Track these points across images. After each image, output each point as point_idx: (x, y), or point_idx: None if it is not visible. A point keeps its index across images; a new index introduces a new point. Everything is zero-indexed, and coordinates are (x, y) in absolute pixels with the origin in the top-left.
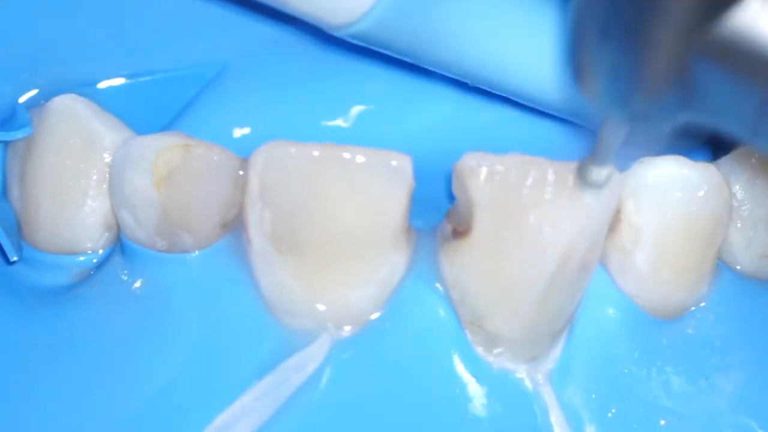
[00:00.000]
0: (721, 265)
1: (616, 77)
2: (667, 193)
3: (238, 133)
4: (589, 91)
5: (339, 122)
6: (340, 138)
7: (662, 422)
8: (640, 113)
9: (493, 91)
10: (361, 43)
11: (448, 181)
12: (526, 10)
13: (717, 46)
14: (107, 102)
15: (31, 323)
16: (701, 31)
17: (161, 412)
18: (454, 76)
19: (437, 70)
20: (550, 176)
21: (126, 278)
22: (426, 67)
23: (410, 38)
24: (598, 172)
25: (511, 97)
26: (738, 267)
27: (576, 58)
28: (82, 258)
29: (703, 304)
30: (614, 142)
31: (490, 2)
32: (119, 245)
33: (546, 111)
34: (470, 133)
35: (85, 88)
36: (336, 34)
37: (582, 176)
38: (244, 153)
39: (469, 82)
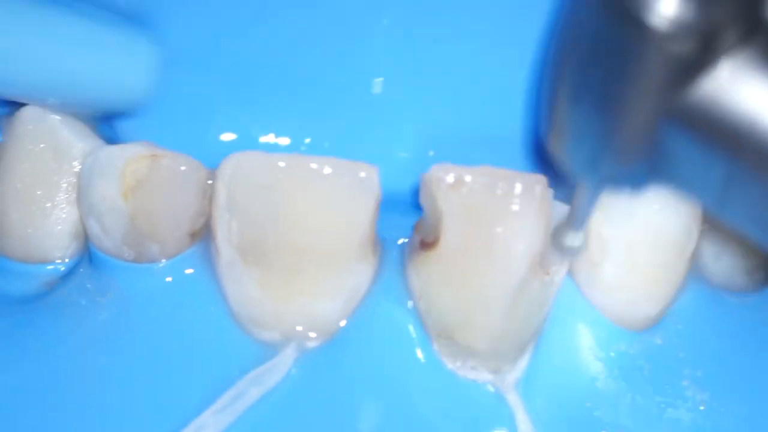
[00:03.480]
0: (691, 276)
1: (586, 141)
2: (636, 206)
3: (207, 140)
4: (560, 153)
5: (310, 132)
6: (309, 148)
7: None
8: (610, 178)
9: None
10: None
11: (416, 192)
12: None
13: (686, 113)
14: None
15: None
16: (671, 98)
17: (122, 423)
18: None
19: None
20: (518, 188)
21: (93, 287)
22: None
23: None
24: (573, 237)
25: None
26: (708, 278)
27: (548, 119)
28: (50, 267)
29: (672, 315)
30: (588, 209)
31: None
32: (87, 254)
33: None
34: (439, 145)
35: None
36: None
37: (556, 242)
38: (213, 161)
39: None
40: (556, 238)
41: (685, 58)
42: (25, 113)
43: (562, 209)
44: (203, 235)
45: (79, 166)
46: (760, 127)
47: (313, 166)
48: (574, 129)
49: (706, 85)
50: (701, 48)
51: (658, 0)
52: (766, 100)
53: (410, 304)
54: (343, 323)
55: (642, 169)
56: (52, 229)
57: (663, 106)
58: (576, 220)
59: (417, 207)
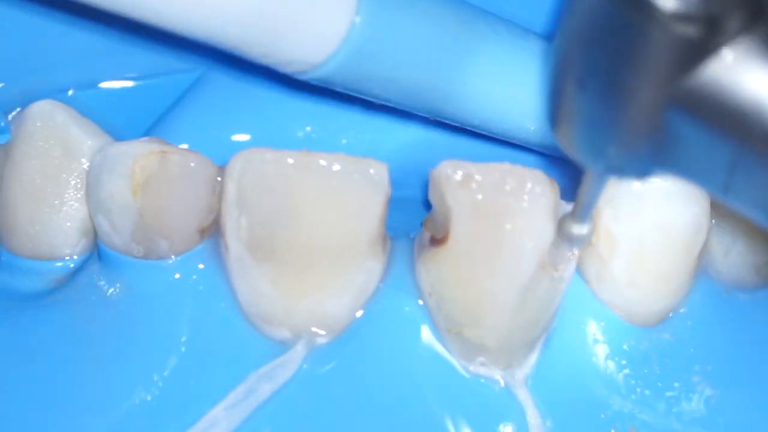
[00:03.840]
0: (700, 272)
1: (592, 128)
2: (645, 202)
3: (217, 139)
4: (566, 141)
5: (318, 130)
6: (318, 145)
7: (637, 426)
8: (616, 166)
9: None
10: (324, 85)
11: (426, 188)
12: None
13: (691, 98)
14: (87, 107)
15: (8, 328)
16: (676, 83)
17: (133, 420)
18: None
19: (402, 107)
20: (527, 184)
21: (102, 284)
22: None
23: (369, 82)
24: (579, 227)
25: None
26: (717, 275)
27: (554, 107)
28: (59, 264)
29: (681, 311)
30: (594, 198)
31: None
32: (96, 251)
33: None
34: (448, 142)
35: (64, 94)
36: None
37: (563, 231)
38: (222, 159)
39: (429, 116)
40: (562, 227)
41: (690, 41)
42: (34, 110)
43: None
44: (212, 231)
45: (88, 163)
46: (765, 111)
47: (322, 162)
48: (579, 116)
49: (711, 70)
50: (707, 31)
51: None
52: None
53: (420, 300)
54: (352, 320)
55: (648, 156)
56: (60, 226)
57: (668, 91)
58: (583, 209)
59: (426, 203)
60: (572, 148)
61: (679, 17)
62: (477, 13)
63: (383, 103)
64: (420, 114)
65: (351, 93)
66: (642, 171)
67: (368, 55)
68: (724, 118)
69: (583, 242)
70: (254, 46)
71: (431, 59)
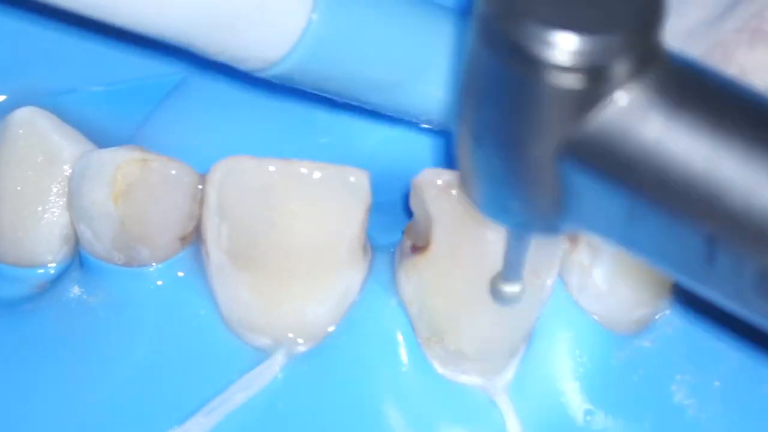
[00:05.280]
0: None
1: (493, 183)
2: None
3: (199, 146)
4: (473, 197)
5: (298, 132)
6: (298, 147)
7: None
8: (522, 222)
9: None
10: (285, 83)
11: (407, 196)
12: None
13: (582, 147)
14: (69, 114)
15: None
16: (565, 133)
17: (111, 428)
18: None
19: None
20: None
21: (84, 292)
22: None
23: (329, 80)
24: (511, 287)
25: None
26: None
27: (458, 163)
28: (40, 271)
29: (662, 318)
30: (520, 256)
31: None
32: (78, 258)
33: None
34: (429, 150)
35: (45, 100)
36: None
37: (495, 294)
38: (204, 166)
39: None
40: (493, 290)
41: (578, 92)
42: (16, 117)
43: None
44: (194, 238)
45: (70, 170)
46: (656, 157)
47: (303, 170)
48: (480, 172)
49: (600, 118)
50: (593, 80)
51: (545, 32)
52: (662, 130)
53: (400, 308)
54: (332, 328)
55: (550, 210)
56: (42, 233)
57: (559, 142)
58: (511, 268)
59: (407, 211)
60: (478, 204)
61: (564, 69)
62: (438, 8)
63: (347, 101)
64: (387, 113)
65: (315, 92)
66: (550, 227)
67: (327, 53)
68: (617, 166)
69: (517, 301)
70: (207, 43)
71: (393, 57)
